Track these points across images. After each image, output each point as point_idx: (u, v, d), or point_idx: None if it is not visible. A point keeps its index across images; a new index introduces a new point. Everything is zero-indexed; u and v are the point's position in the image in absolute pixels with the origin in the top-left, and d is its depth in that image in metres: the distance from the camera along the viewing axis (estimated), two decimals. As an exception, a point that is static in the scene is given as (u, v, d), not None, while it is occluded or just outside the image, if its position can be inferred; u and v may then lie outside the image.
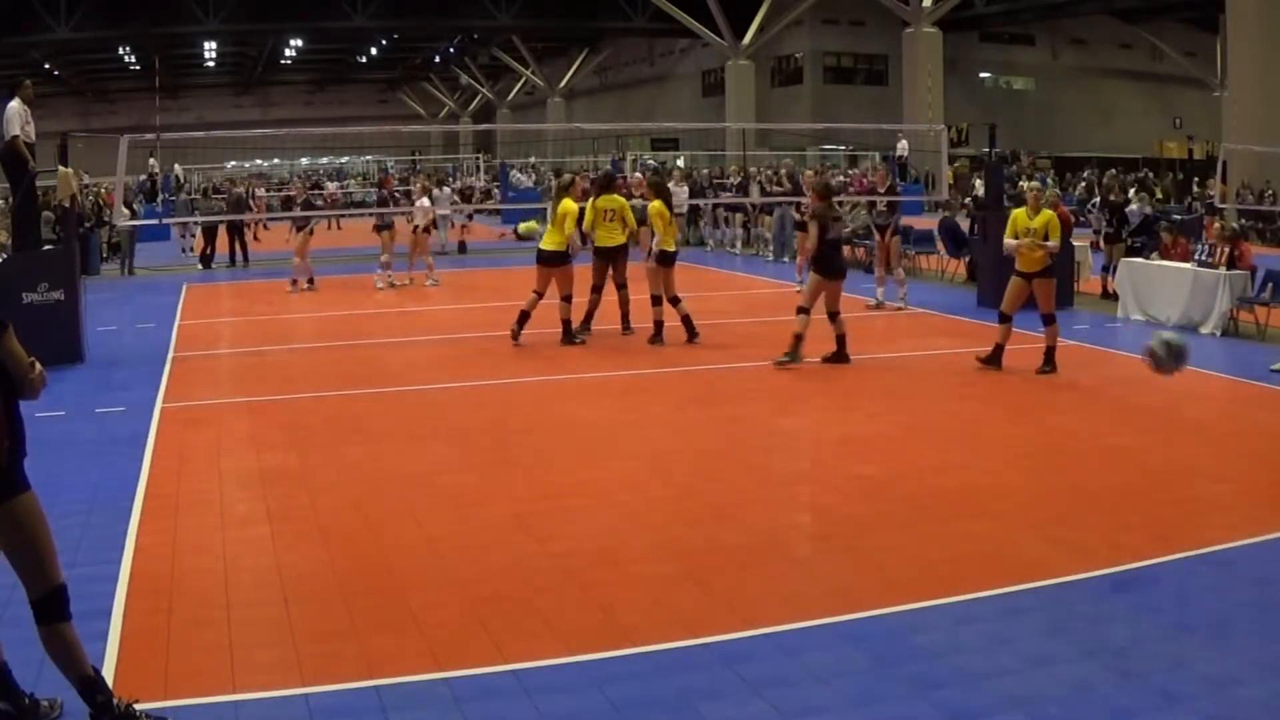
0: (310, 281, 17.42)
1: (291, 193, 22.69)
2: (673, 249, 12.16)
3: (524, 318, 11.97)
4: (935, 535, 6.12)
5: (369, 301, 16.39)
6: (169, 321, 14.65)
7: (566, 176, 13.96)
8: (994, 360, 10.60)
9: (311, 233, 17.83)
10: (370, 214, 27.90)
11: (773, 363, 10.70)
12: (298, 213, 18.24)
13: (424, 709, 4.27)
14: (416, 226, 17.86)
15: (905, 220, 16.00)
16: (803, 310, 10.68)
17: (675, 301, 12.13)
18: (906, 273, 15.43)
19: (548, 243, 12.02)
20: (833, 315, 10.80)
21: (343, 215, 29.80)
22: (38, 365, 3.86)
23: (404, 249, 18.07)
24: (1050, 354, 10.49)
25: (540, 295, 12.01)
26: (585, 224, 13.12)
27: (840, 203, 21.40)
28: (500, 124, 66.46)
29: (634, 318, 12.67)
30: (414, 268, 17.94)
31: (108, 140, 16.87)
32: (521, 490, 7.02)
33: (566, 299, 12.01)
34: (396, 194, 20.66)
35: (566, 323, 12.07)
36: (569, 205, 12.15)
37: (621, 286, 12.67)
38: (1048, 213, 10.75)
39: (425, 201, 18.52)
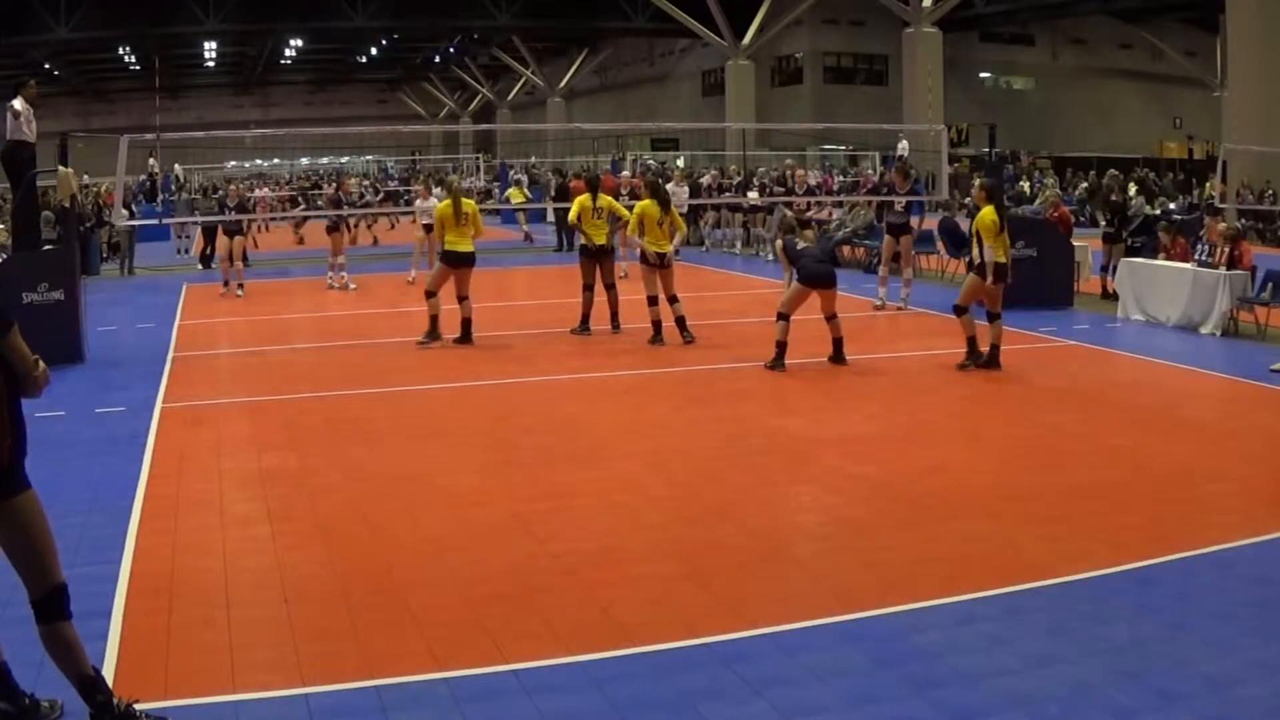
0: (226, 284, 17.32)
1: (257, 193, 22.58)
2: (663, 250, 12.10)
3: (465, 324, 12.13)
4: (935, 535, 6.12)
5: (368, 301, 16.39)
6: (169, 321, 14.65)
7: (453, 178, 13.99)
8: (991, 362, 10.58)
9: (244, 236, 17.88)
10: (365, 214, 27.95)
11: (763, 365, 10.71)
12: (231, 216, 18.18)
13: (424, 709, 4.27)
14: (426, 226, 17.95)
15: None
16: (782, 317, 10.67)
17: (673, 301, 12.14)
18: (915, 273, 15.42)
19: (465, 244, 12.15)
20: (828, 319, 10.79)
21: (347, 215, 29.66)
22: (41, 363, 3.87)
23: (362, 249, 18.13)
24: (971, 345, 10.54)
25: (466, 298, 12.21)
26: (570, 217, 13.29)
27: (841, 203, 21.51)
28: (500, 124, 66.43)
29: (634, 318, 12.69)
30: (417, 267, 17.93)
31: (108, 140, 16.88)
32: (521, 490, 7.02)
33: (464, 298, 12.22)
34: (350, 197, 20.55)
35: (467, 320, 12.22)
36: (474, 204, 12.39)
37: (610, 287, 12.70)
38: (983, 212, 10.55)
39: (420, 201, 18.61)
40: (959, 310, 10.71)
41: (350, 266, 18.04)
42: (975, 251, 10.61)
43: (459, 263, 12.18)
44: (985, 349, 10.58)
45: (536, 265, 21.02)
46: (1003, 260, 10.51)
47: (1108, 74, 49.07)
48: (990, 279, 10.44)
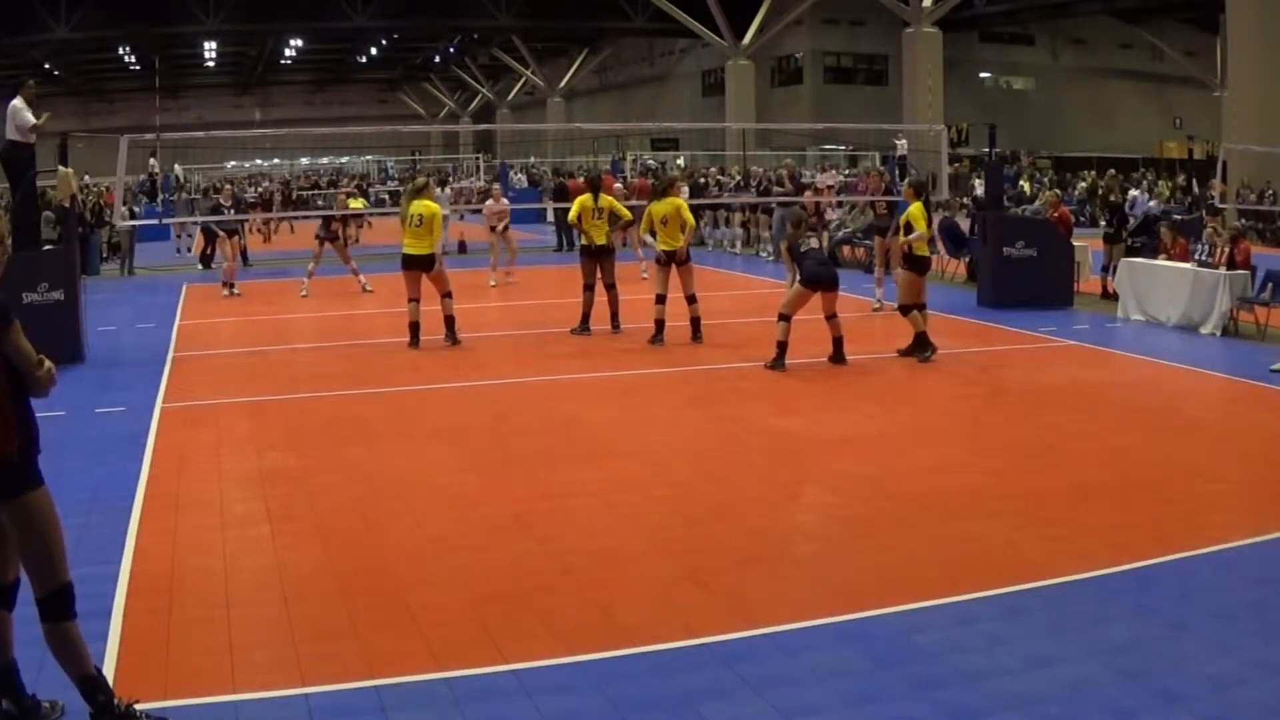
0: (232, 285, 17.29)
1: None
2: (670, 248, 12.10)
3: (415, 329, 11.99)
4: (935, 535, 6.12)
5: (368, 302, 16.39)
6: (169, 321, 14.65)
7: (420, 179, 13.79)
8: (918, 348, 11.11)
9: (266, 237, 17.81)
10: (381, 214, 27.87)
11: (763, 365, 10.71)
12: (231, 215, 18.13)
13: (424, 709, 4.28)
14: (493, 228, 18.15)
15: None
16: (783, 317, 10.69)
17: (690, 300, 12.18)
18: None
19: (415, 247, 11.95)
20: (829, 318, 10.81)
21: (362, 215, 29.57)
22: (46, 362, 3.86)
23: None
24: (920, 339, 11.03)
25: (417, 301, 12.00)
26: (570, 218, 13.36)
27: (842, 203, 21.50)
28: (500, 124, 66.43)
29: (634, 318, 12.70)
30: (496, 267, 17.93)
31: (108, 140, 16.87)
32: (521, 490, 7.02)
33: (448, 295, 12.07)
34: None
35: (451, 319, 12.08)
36: (434, 207, 12.22)
37: (610, 287, 12.69)
38: (912, 206, 11.39)
39: (492, 203, 18.78)
40: (904, 310, 11.25)
41: (343, 268, 17.97)
42: (900, 242, 11.54)
43: (406, 265, 12.04)
44: (911, 339, 11.21)
45: (537, 265, 21.01)
46: (924, 253, 11.45)
47: (1108, 74, 49.06)
48: (902, 264, 11.32)
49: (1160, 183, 29.25)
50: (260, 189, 30.81)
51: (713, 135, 40.06)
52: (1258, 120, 27.22)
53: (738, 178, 24.67)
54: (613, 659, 4.62)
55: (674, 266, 12.12)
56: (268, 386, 10.47)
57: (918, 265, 11.31)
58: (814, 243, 11.20)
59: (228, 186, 20.78)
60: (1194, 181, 32.25)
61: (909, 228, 11.28)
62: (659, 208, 12.22)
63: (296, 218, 28.03)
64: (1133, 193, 17.96)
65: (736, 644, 4.73)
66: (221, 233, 17.52)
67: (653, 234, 12.27)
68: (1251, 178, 27.54)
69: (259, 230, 27.72)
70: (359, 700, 4.31)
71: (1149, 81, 49.32)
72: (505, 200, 18.59)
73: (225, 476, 7.47)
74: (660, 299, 12.12)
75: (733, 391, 9.96)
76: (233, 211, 18.31)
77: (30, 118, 12.20)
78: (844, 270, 17.32)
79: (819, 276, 10.69)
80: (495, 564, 5.75)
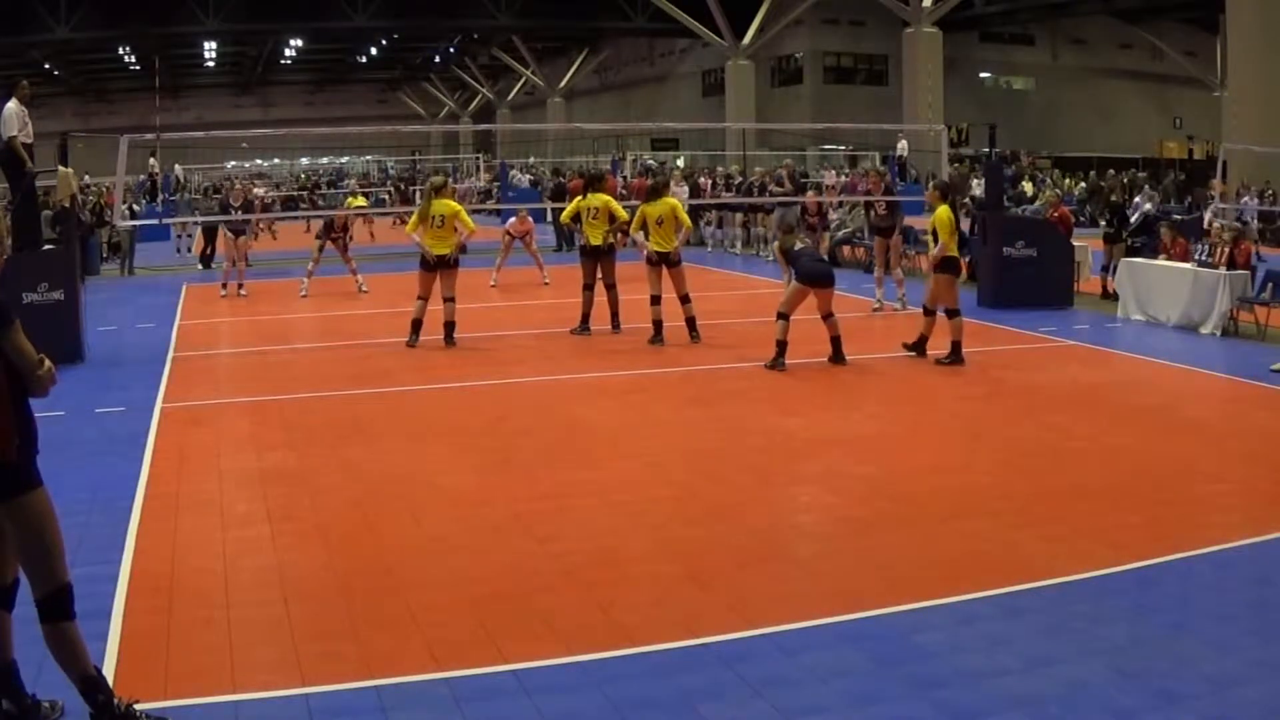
0: (225, 286, 17.24)
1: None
2: (665, 249, 12.11)
3: (417, 326, 11.99)
4: (935, 535, 6.12)
5: (367, 302, 16.39)
6: (169, 321, 14.65)
7: (438, 179, 13.73)
8: (955, 357, 10.91)
9: (254, 236, 17.74)
10: (389, 214, 27.76)
11: (763, 365, 10.71)
12: (239, 216, 18.12)
13: (424, 709, 4.28)
14: (511, 235, 18.18)
15: (906, 220, 15.96)
16: (781, 316, 10.69)
17: (684, 301, 12.16)
18: (906, 273, 15.41)
19: (436, 248, 11.89)
20: (825, 317, 10.81)
21: (370, 213, 29.56)
22: (46, 361, 3.86)
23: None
24: (955, 348, 10.84)
25: (425, 300, 11.98)
26: (564, 217, 13.33)
27: (840, 203, 21.50)
28: (500, 124, 66.46)
29: (634, 318, 12.69)
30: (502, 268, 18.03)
31: (108, 140, 16.88)
32: (521, 490, 7.02)
33: (450, 299, 12.00)
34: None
35: (450, 324, 12.03)
36: (454, 206, 12.17)
37: (610, 287, 12.67)
38: (939, 210, 11.17)
39: (515, 221, 18.83)
40: (950, 314, 11.01)
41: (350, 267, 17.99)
42: (933, 248, 11.23)
43: (424, 265, 12.02)
44: (947, 344, 10.98)
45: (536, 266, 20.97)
46: (953, 254, 11.11)
47: (1108, 74, 49.09)
48: (934, 267, 11.09)
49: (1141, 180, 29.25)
50: (263, 192, 30.80)
51: (713, 135, 40.07)
52: (1258, 120, 27.23)
53: (739, 178, 24.66)
54: (613, 659, 4.62)
55: (664, 268, 12.11)
56: (268, 386, 10.47)
57: (950, 267, 11.07)
58: (808, 242, 11.17)
59: (238, 185, 20.73)
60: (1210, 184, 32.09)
61: (935, 236, 11.04)
62: (653, 208, 12.19)
63: (298, 218, 28.00)
64: (1139, 203, 18.07)
65: (736, 644, 4.73)
66: (230, 233, 17.49)
67: (645, 234, 12.24)
68: (1251, 178, 27.54)
69: (263, 231, 27.77)
70: (359, 700, 4.31)
71: (1149, 81, 49.35)
72: (530, 219, 18.74)
73: (225, 476, 7.47)
74: (655, 299, 12.12)
75: (733, 391, 9.95)
76: (242, 212, 18.24)
77: (13, 128, 12.11)
78: (844, 270, 17.34)
79: (814, 274, 10.70)
80: (495, 564, 5.75)
